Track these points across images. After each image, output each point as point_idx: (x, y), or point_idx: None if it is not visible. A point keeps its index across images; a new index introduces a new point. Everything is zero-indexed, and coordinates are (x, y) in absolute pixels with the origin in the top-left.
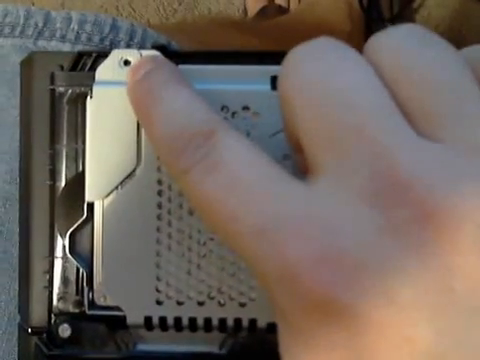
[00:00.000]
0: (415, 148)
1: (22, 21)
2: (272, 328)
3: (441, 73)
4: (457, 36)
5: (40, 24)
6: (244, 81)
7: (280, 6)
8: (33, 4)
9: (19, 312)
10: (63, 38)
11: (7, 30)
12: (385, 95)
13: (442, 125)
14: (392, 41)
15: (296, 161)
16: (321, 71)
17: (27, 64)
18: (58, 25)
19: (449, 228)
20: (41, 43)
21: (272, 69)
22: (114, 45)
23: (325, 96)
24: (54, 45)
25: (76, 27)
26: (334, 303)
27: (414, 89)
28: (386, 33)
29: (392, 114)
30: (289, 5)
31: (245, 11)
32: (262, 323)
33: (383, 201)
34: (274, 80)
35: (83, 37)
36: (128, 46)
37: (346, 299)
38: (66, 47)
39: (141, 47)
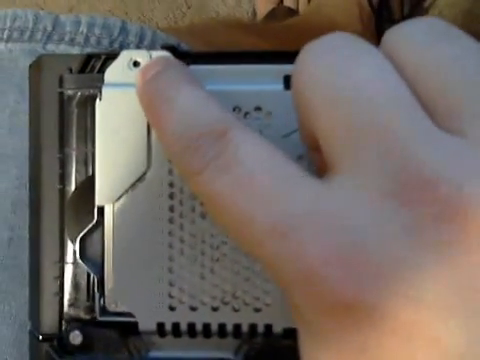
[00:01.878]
0: (439, 144)
1: (31, 25)
2: (288, 333)
3: (465, 67)
4: (468, 35)
5: (49, 28)
6: (256, 81)
7: (289, 8)
8: (42, 10)
9: (30, 319)
10: (72, 42)
11: (16, 35)
12: (405, 89)
13: (466, 120)
14: (414, 34)
15: (312, 160)
16: (339, 66)
17: (36, 67)
18: (67, 29)
19: (476, 225)
20: (50, 47)
21: (285, 68)
22: (123, 48)
23: (344, 91)
24: (63, 49)
25: (85, 30)
26: (357, 303)
27: (437, 84)
28: (405, 26)
29: (414, 109)
30: (298, 7)
31: (254, 13)
32: (278, 328)
33: (407, 198)
34: (287, 79)
35: (92, 40)
36: (138, 49)
37: (370, 299)
38: (75, 50)
39: (151, 49)
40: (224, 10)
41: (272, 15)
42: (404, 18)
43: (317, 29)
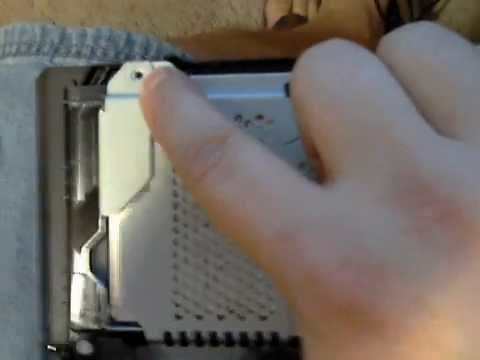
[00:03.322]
0: (437, 146)
1: (38, 39)
2: (294, 341)
3: (460, 71)
4: (479, 40)
5: (56, 41)
6: (257, 89)
7: (299, 15)
8: (54, 23)
9: (40, 329)
10: (78, 54)
11: (24, 48)
12: (403, 94)
13: (462, 123)
14: (409, 40)
15: (313, 167)
16: (338, 71)
17: (42, 80)
18: (73, 41)
19: (477, 227)
20: (57, 60)
21: (285, 76)
22: (129, 59)
23: (342, 96)
24: (70, 61)
25: (91, 43)
26: (360, 307)
27: (433, 88)
28: (402, 32)
29: (412, 113)
30: (307, 14)
31: (263, 22)
32: (284, 336)
33: (408, 201)
34: (288, 87)
35: (98, 52)
36: (143, 60)
37: (372, 303)
38: (82, 63)
39: (156, 60)
40: (234, 19)
41: (282, 23)
42: None
43: (327, 36)
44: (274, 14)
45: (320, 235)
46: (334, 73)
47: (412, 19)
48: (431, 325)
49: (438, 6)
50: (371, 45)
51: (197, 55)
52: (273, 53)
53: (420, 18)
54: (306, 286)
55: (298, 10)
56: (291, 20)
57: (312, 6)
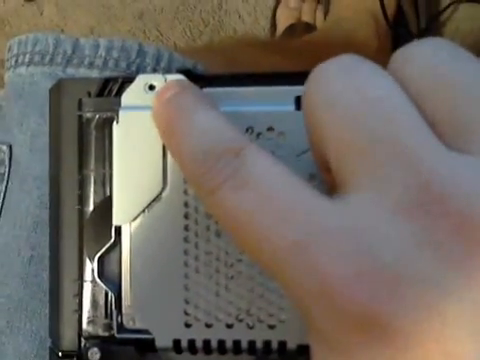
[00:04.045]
0: (450, 160)
1: (51, 49)
2: (302, 350)
3: (471, 87)
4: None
5: (69, 52)
6: (268, 102)
7: (307, 23)
8: (62, 31)
9: (50, 335)
10: (91, 65)
11: (37, 58)
12: (414, 109)
13: (473, 138)
14: (419, 56)
15: (324, 179)
16: (351, 86)
17: (55, 91)
18: (86, 52)
19: None
20: (70, 70)
21: (296, 89)
22: (141, 70)
23: (356, 110)
24: (82, 72)
25: (103, 53)
26: (374, 319)
27: (443, 104)
28: (412, 48)
29: (423, 128)
30: (315, 22)
31: (271, 30)
32: (292, 345)
33: (421, 214)
34: (298, 100)
35: (110, 63)
36: (155, 70)
37: (387, 315)
38: (94, 73)
39: (167, 71)
40: (241, 27)
41: (290, 30)
42: (421, 32)
43: (336, 44)
44: (283, 21)
45: (334, 247)
46: (348, 87)
47: (419, 28)
48: (443, 334)
49: (445, 15)
50: (378, 54)
51: (207, 65)
52: (283, 63)
53: (427, 27)
54: (320, 297)
55: (306, 18)
56: (299, 27)
57: (319, 14)
